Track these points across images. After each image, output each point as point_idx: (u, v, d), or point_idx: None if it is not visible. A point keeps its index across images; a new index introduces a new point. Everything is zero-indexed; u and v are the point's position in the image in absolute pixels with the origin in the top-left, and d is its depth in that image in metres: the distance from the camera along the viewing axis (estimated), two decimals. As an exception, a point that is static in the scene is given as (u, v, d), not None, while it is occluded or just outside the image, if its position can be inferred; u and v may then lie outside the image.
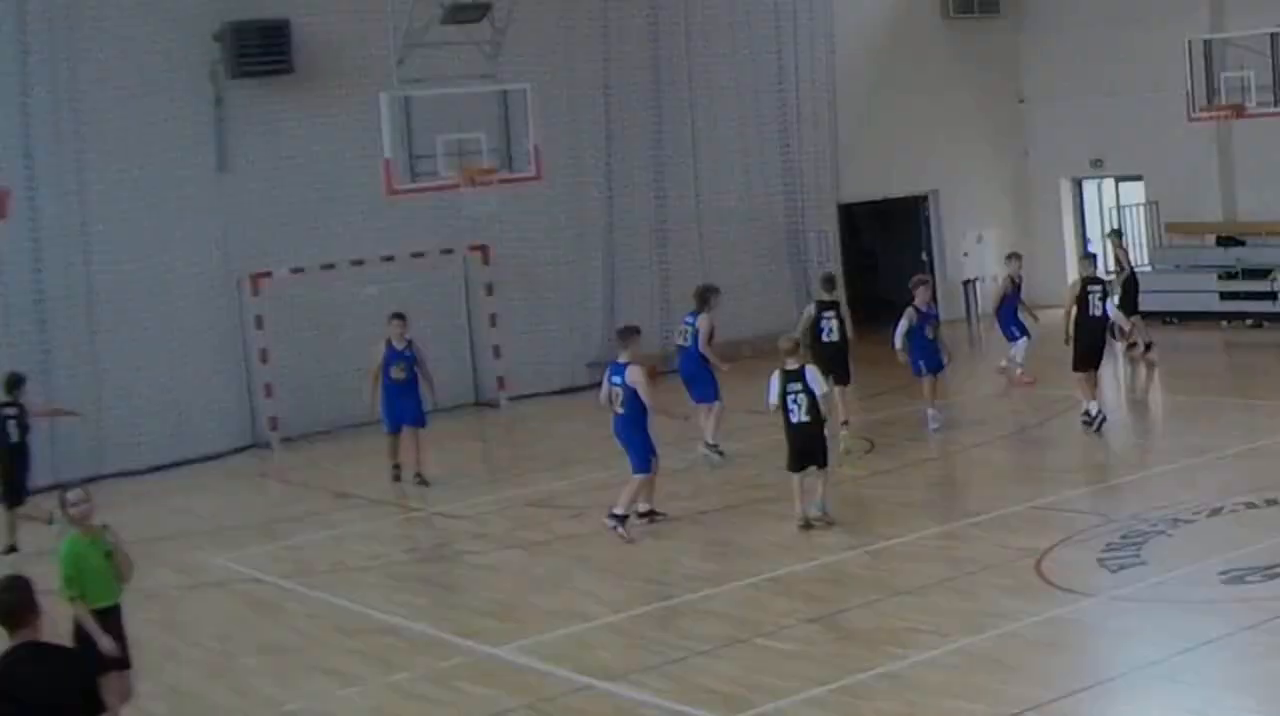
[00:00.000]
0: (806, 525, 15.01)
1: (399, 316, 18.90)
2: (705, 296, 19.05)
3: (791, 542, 14.90)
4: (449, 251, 24.24)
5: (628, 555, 15.04)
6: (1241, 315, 26.40)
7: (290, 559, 16.19)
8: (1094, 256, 20.39)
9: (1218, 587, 12.19)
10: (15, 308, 21.09)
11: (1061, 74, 29.61)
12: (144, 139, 21.75)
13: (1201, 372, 23.50)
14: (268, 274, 22.65)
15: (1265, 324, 25.85)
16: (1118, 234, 25.93)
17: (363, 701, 11.56)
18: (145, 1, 21.69)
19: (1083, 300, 18.76)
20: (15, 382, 17.48)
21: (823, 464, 15.14)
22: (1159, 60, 26.88)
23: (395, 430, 18.85)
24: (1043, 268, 30.38)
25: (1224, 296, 26.74)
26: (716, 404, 18.73)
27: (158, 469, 21.28)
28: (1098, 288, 18.96)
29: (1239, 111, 24.32)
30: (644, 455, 15.49)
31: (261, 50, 22.28)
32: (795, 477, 15.06)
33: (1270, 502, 14.60)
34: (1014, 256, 22.45)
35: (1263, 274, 26.26)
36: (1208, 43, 25.23)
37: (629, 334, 15.78)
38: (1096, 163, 29.52)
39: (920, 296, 19.34)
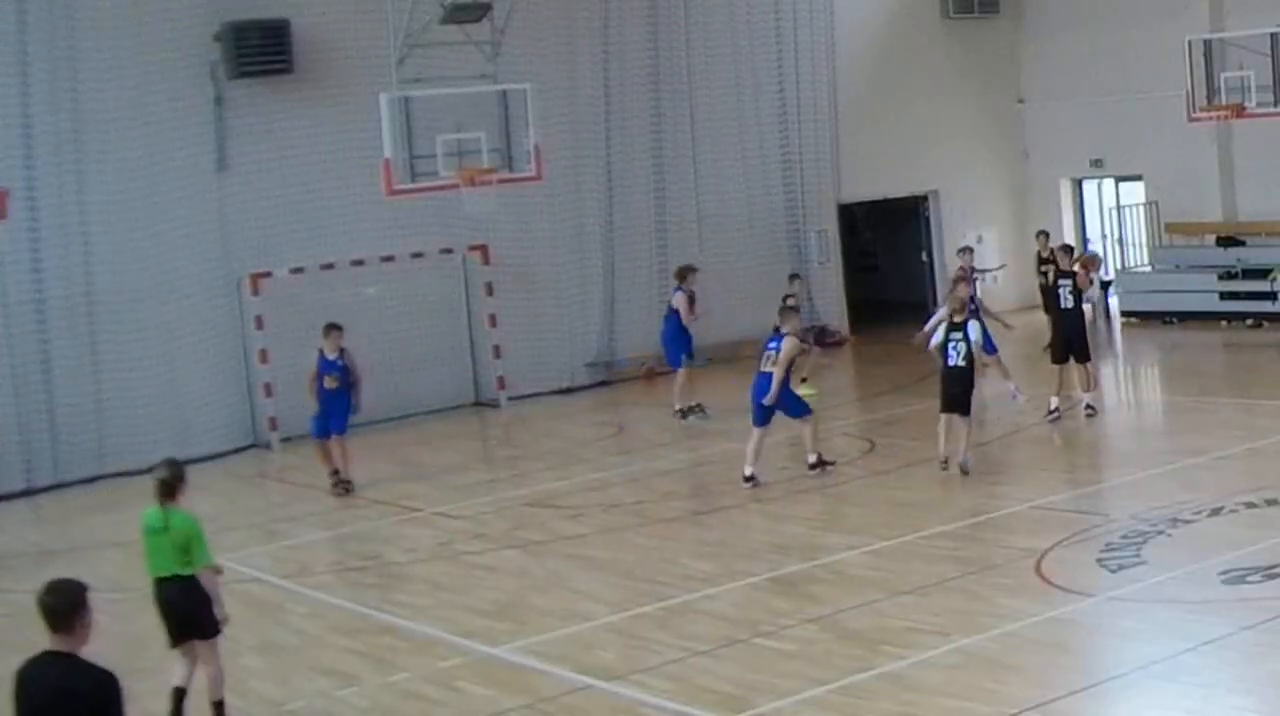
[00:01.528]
0: (945, 465, 16.87)
1: (335, 327, 18.76)
2: (683, 273, 21.98)
3: (791, 542, 14.92)
4: (449, 251, 24.24)
5: (628, 555, 15.04)
6: (1241, 315, 26.40)
7: (290, 559, 16.19)
8: (1070, 248, 21.28)
9: (1218, 587, 12.17)
10: (15, 308, 21.09)
11: (1061, 74, 29.62)
12: (144, 139, 21.76)
13: (1201, 372, 23.50)
14: (268, 274, 22.65)
15: (1265, 324, 25.85)
16: (1044, 234, 26.05)
17: (362, 701, 11.55)
18: (145, 1, 21.69)
19: (1054, 293, 19.65)
20: None
21: (965, 412, 16.90)
22: (1159, 60, 26.89)
23: (324, 436, 18.85)
24: (1043, 268, 30.45)
25: (1224, 296, 26.74)
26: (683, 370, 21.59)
27: (158, 469, 21.25)
28: (1068, 281, 19.61)
29: (1239, 111, 24.31)
30: (800, 405, 17.57)
31: (261, 50, 22.28)
32: (942, 418, 17.04)
33: (1270, 502, 14.60)
34: (966, 250, 23.84)
35: (1263, 274, 26.25)
36: (1208, 43, 25.22)
37: (789, 311, 18.20)
38: (1096, 163, 29.53)
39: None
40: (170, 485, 10.88)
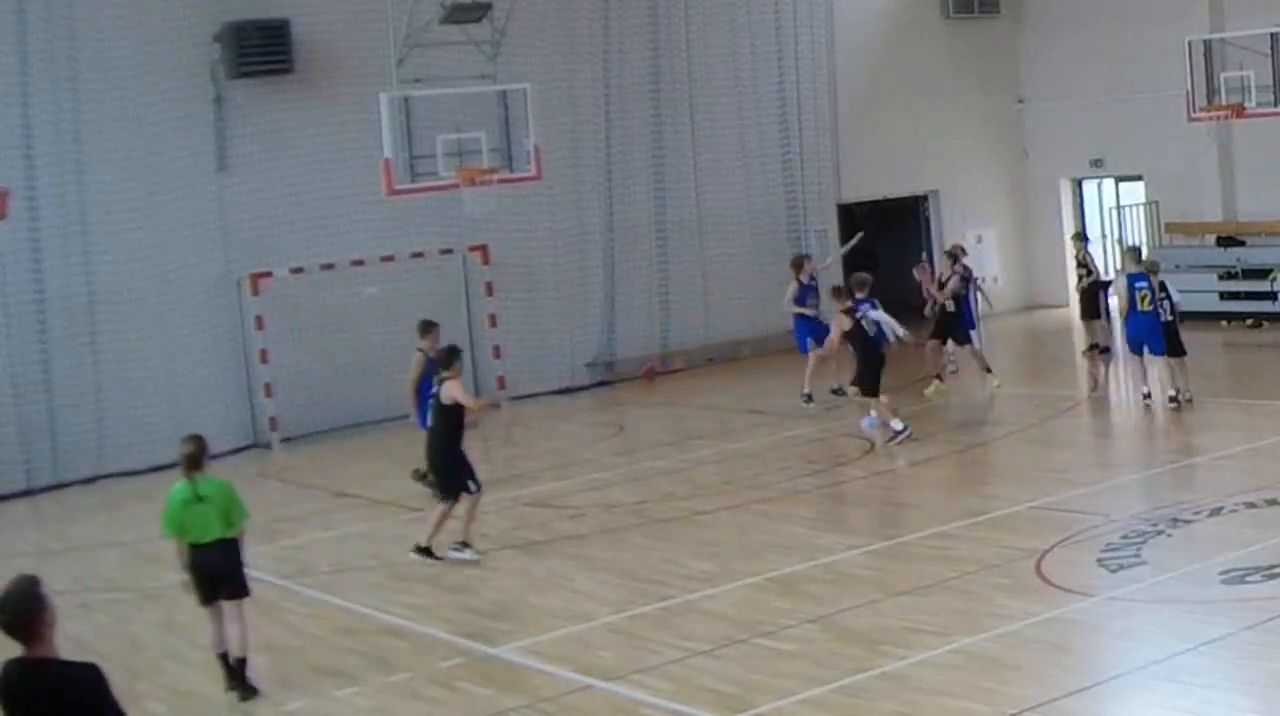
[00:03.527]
0: (1176, 403, 19.34)
1: (435, 324, 18.36)
2: (799, 263, 22.83)
3: (791, 542, 14.91)
4: (449, 251, 24.24)
5: (628, 555, 15.04)
6: (1241, 315, 26.39)
7: (290, 559, 16.18)
8: (954, 255, 22.89)
9: (1218, 587, 12.17)
10: (15, 308, 21.10)
11: (1061, 74, 29.62)
12: (144, 139, 21.77)
13: (1201, 372, 23.44)
14: (268, 274, 22.65)
15: (1265, 324, 25.84)
16: (1080, 237, 26.02)
17: (363, 701, 11.55)
18: (145, 2, 21.70)
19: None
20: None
21: (1182, 353, 19.52)
22: (1159, 60, 26.88)
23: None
24: (1042, 268, 30.45)
25: (1224, 296, 26.73)
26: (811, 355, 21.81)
27: (158, 469, 21.21)
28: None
29: (1239, 111, 24.27)
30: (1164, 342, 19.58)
31: (261, 50, 22.29)
32: (1160, 361, 19.59)
33: (1270, 502, 14.59)
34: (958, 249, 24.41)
35: (1263, 274, 26.25)
36: (1208, 43, 25.19)
37: (1133, 250, 20.98)
38: (1096, 163, 29.53)
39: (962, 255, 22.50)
40: (196, 457, 11.67)
